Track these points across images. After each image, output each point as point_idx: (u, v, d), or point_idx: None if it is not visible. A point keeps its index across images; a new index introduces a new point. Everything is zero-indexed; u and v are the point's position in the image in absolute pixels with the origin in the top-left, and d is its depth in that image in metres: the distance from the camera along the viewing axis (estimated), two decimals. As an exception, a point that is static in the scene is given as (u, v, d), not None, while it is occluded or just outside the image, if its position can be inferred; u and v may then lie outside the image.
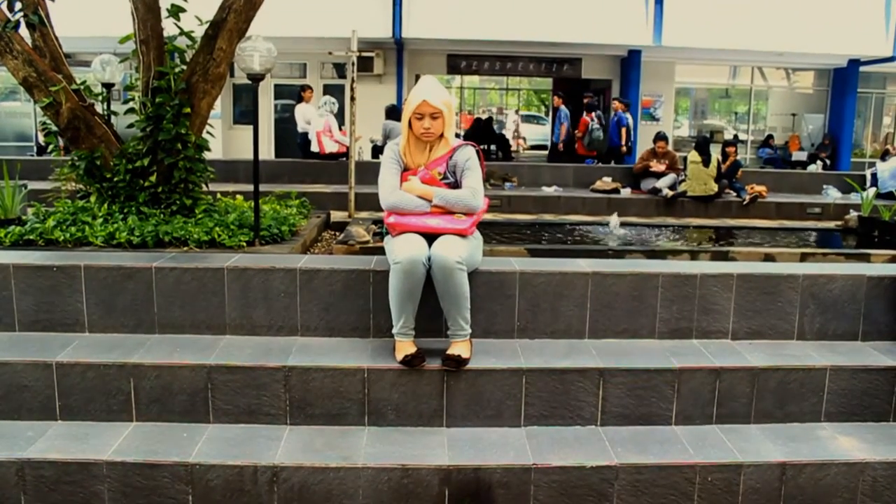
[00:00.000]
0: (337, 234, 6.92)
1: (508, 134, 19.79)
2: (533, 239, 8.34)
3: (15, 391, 3.15)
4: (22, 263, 3.46)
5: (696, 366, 3.29)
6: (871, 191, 10.13)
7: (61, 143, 5.29)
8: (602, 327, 3.54)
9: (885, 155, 12.88)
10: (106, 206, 4.89)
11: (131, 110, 5.02)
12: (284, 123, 16.04)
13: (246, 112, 15.80)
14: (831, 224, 9.70)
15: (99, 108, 5.20)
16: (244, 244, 4.65)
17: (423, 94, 3.22)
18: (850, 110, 16.11)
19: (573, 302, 3.51)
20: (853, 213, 9.33)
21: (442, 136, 3.32)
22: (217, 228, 4.66)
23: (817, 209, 10.86)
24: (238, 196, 5.72)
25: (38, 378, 3.15)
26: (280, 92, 16.06)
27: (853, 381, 3.34)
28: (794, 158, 15.84)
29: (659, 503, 2.98)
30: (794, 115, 17.61)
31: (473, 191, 3.29)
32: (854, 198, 10.68)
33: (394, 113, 11.08)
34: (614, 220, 8.58)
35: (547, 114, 14.60)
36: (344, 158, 10.41)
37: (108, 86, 5.87)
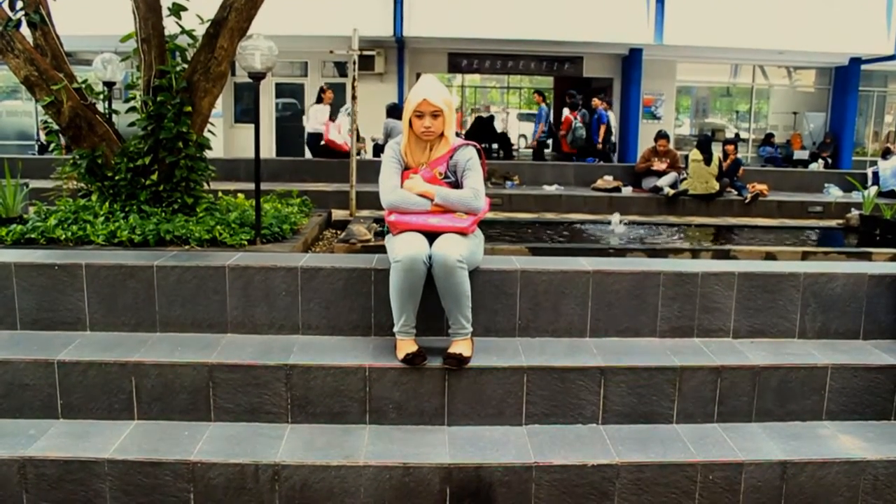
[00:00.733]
0: (338, 232, 6.92)
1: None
2: (534, 237, 8.33)
3: (17, 390, 3.16)
4: (23, 262, 3.47)
5: (698, 364, 3.29)
6: (873, 189, 10.13)
7: (63, 141, 5.28)
8: (603, 326, 3.54)
9: (886, 153, 12.87)
10: (107, 204, 4.89)
11: (132, 109, 5.02)
12: (286, 122, 16.06)
13: (247, 111, 15.81)
14: (833, 222, 9.69)
15: (100, 106, 5.20)
16: (245, 243, 4.64)
17: (423, 92, 3.22)
18: (851, 109, 16.10)
19: (574, 300, 3.51)
20: (854, 212, 9.33)
21: (442, 134, 3.32)
22: (218, 227, 4.66)
23: (819, 208, 10.85)
24: (239, 195, 5.72)
25: (40, 376, 3.16)
26: (281, 90, 16.07)
27: (854, 379, 3.34)
28: (795, 157, 15.82)
29: (660, 501, 2.98)
30: (795, 113, 17.59)
31: (475, 192, 3.29)
32: (855, 196, 10.67)
33: (395, 111, 11.09)
34: (615, 218, 8.58)
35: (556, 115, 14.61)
36: (358, 155, 10.48)
37: (109, 84, 5.87)
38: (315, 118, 12.00)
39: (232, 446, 2.99)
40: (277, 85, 15.84)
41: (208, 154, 5.21)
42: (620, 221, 8.55)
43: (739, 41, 13.99)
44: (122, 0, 4.95)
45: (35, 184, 6.55)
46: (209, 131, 5.17)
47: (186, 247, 4.44)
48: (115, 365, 3.17)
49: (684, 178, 10.95)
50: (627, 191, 11.21)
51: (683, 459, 2.99)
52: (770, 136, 16.62)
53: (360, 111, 8.78)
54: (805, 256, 7.00)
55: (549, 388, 3.22)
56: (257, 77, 4.73)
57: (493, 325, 3.51)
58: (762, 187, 10.85)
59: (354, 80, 8.64)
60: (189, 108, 4.81)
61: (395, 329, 3.22)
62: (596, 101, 13.36)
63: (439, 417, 3.21)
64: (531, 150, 14.60)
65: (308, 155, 12.61)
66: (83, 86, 4.95)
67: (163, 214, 4.79)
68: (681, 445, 3.09)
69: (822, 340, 3.60)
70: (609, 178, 11.44)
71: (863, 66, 15.79)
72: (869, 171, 12.13)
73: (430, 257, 3.10)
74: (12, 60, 4.68)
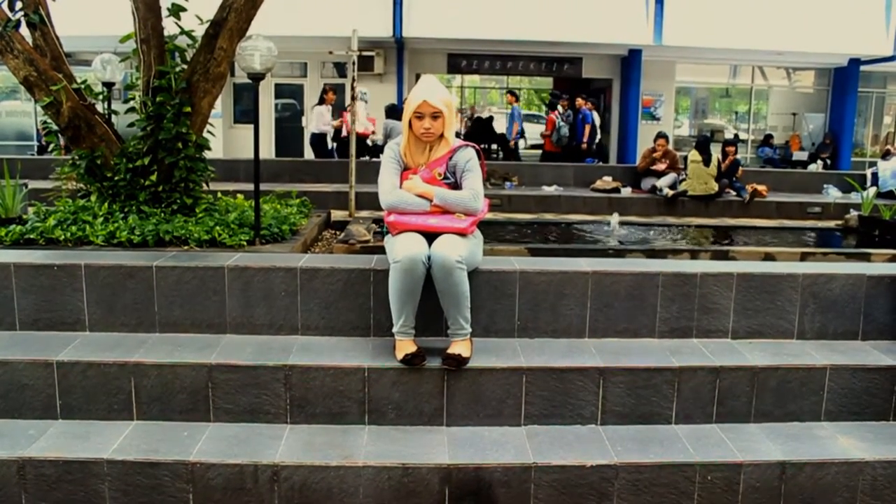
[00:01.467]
0: (337, 233, 6.92)
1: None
2: (533, 238, 8.34)
3: (16, 390, 3.16)
4: (23, 262, 3.47)
5: (696, 365, 3.29)
6: (872, 190, 10.14)
7: (62, 142, 5.29)
8: (602, 326, 3.54)
9: (886, 154, 12.88)
10: (106, 205, 4.89)
11: (132, 109, 5.03)
12: (285, 122, 16.06)
13: (246, 111, 15.80)
14: (831, 223, 9.69)
15: (99, 107, 5.20)
16: (245, 243, 4.65)
17: (423, 94, 3.22)
18: (850, 110, 16.10)
19: (573, 301, 3.51)
20: (853, 213, 9.34)
21: (442, 135, 3.32)
22: (217, 227, 4.66)
23: (817, 208, 10.86)
24: (238, 195, 5.72)
25: (39, 377, 3.16)
26: (281, 91, 16.06)
27: (853, 380, 3.35)
28: (794, 158, 15.83)
29: (659, 502, 2.98)
30: (794, 114, 17.60)
31: (474, 193, 3.29)
32: (854, 197, 10.68)
33: (394, 112, 11.09)
34: (615, 219, 8.59)
35: (547, 113, 14.59)
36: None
37: (108, 85, 5.88)
38: (319, 119, 12.03)
39: (231, 447, 2.99)
40: (277, 85, 15.83)
41: (207, 155, 5.22)
42: (619, 223, 8.56)
43: (738, 42, 13.99)
44: (122, 1, 4.95)
45: (34, 184, 6.56)
46: (208, 132, 5.17)
47: (186, 247, 4.44)
48: (115, 365, 3.17)
49: (683, 179, 10.95)
50: (627, 191, 11.22)
51: (682, 460, 3.00)
52: (769, 136, 16.63)
53: (359, 111, 8.77)
54: (804, 257, 7.00)
55: (548, 389, 3.22)
56: (256, 78, 4.73)
57: (493, 325, 3.51)
58: (761, 188, 10.86)
59: (354, 80, 8.65)
60: (188, 109, 4.81)
61: (395, 329, 3.22)
62: (580, 102, 13.55)
63: (438, 418, 3.21)
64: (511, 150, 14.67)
65: (310, 156, 12.63)
66: (82, 86, 4.95)
67: (162, 215, 4.79)
68: (680, 446, 3.09)
69: (821, 341, 3.60)
70: (608, 178, 11.44)
71: (862, 67, 15.79)
72: (868, 172, 12.14)
73: (429, 258, 3.10)
74: (11, 61, 4.68)
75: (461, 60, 16.06)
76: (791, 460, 3.01)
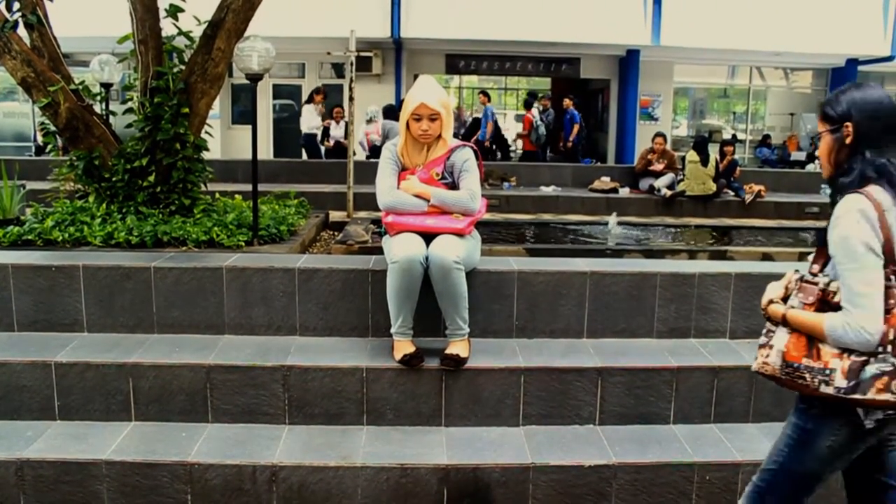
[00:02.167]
0: (336, 233, 6.93)
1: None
2: (531, 238, 8.35)
3: (14, 391, 3.16)
4: (21, 263, 3.46)
5: (695, 365, 3.29)
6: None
7: (60, 143, 5.28)
8: (600, 327, 3.54)
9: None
10: (104, 206, 4.89)
11: (130, 110, 5.02)
12: (283, 123, 16.05)
13: (244, 112, 15.80)
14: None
15: (97, 108, 5.20)
16: (243, 244, 4.64)
17: (421, 96, 3.21)
18: (848, 110, 16.09)
19: (571, 301, 3.51)
20: (851, 213, 9.31)
21: (440, 136, 3.32)
22: (216, 228, 4.66)
23: (815, 208, 10.87)
24: (237, 196, 5.72)
25: (37, 378, 3.15)
26: (279, 92, 16.06)
27: (851, 379, 3.35)
28: (792, 158, 15.84)
29: (657, 502, 2.98)
30: (792, 114, 17.61)
31: (471, 193, 3.29)
32: (852, 197, 10.67)
33: (392, 113, 11.09)
34: (613, 219, 8.59)
35: (544, 112, 14.60)
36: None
37: (106, 86, 5.88)
38: (308, 120, 12.05)
39: (229, 447, 2.99)
40: (275, 86, 15.82)
41: (206, 155, 5.22)
42: (618, 223, 8.56)
43: (736, 42, 14.01)
44: (120, 1, 4.95)
45: (32, 185, 6.55)
46: (206, 133, 5.17)
47: (184, 248, 4.44)
48: (113, 366, 3.17)
49: (681, 179, 10.96)
50: (625, 192, 11.22)
51: (680, 460, 3.00)
52: (767, 137, 16.65)
53: (357, 112, 8.78)
54: (802, 257, 7.01)
55: (546, 389, 3.23)
56: (255, 78, 4.74)
57: (491, 325, 3.51)
58: (760, 188, 10.87)
59: (352, 81, 8.65)
60: (186, 110, 4.80)
61: (393, 330, 3.22)
62: (567, 102, 13.72)
63: (437, 418, 3.21)
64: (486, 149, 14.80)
65: (305, 156, 12.65)
66: (80, 87, 4.95)
67: (160, 216, 4.79)
68: (678, 446, 3.09)
69: (819, 341, 3.60)
70: (606, 179, 11.44)
71: (859, 68, 15.80)
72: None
73: (427, 258, 3.11)
74: (9, 62, 4.67)
75: (459, 61, 16.07)
76: (789, 460, 3.01)
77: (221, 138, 14.78)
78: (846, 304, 1.91)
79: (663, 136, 11.64)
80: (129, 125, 4.95)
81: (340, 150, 11.57)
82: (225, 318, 3.49)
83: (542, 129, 13.37)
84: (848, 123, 2.00)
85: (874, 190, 1.94)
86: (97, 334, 3.47)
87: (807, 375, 1.99)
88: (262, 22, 5.42)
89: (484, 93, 14.70)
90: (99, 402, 3.17)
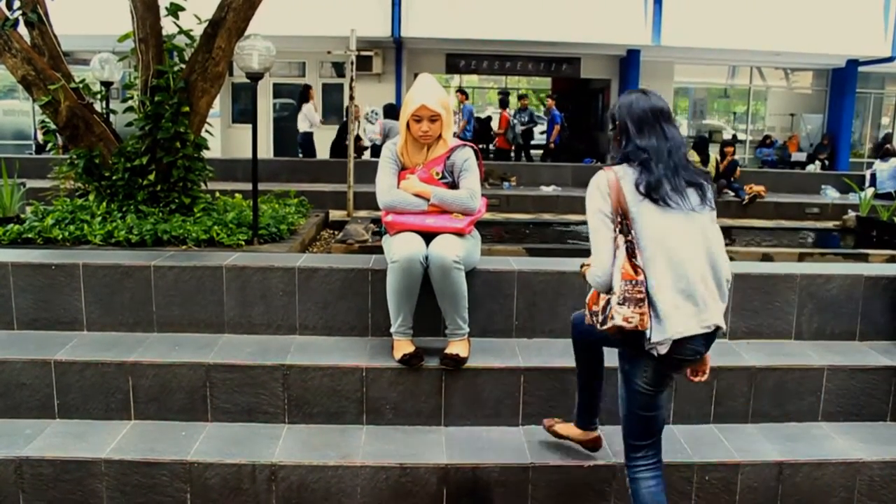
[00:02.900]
0: (335, 233, 6.93)
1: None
2: (531, 238, 8.34)
3: (13, 389, 3.16)
4: (20, 262, 3.46)
5: (694, 365, 3.29)
6: (870, 191, 10.16)
7: (60, 141, 5.28)
8: (600, 326, 3.54)
9: (885, 155, 12.89)
10: (104, 204, 4.89)
11: (130, 109, 5.02)
12: (283, 122, 16.05)
13: (245, 111, 15.80)
14: (829, 224, 9.71)
15: (98, 106, 5.20)
16: (243, 243, 4.65)
17: (421, 97, 3.20)
18: (848, 110, 16.12)
19: (571, 301, 3.50)
20: (851, 213, 9.36)
21: (440, 136, 3.31)
22: (216, 227, 4.66)
23: (816, 209, 10.88)
24: (237, 195, 5.72)
25: (37, 376, 3.15)
26: (279, 91, 16.05)
27: (850, 380, 3.35)
28: (792, 159, 15.84)
29: (656, 502, 2.98)
30: (792, 115, 17.62)
31: (471, 192, 3.29)
32: (852, 198, 10.70)
33: (392, 112, 11.09)
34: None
35: (546, 113, 14.64)
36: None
37: (106, 84, 5.87)
38: (310, 118, 12.05)
39: (229, 446, 2.98)
40: (275, 85, 15.82)
41: (206, 154, 5.22)
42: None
43: (737, 43, 14.00)
44: (120, 0, 4.95)
45: (32, 183, 6.55)
46: (207, 131, 5.17)
47: (184, 247, 4.44)
48: (112, 365, 3.16)
49: (681, 180, 10.95)
50: (625, 192, 11.21)
51: (680, 460, 3.00)
52: (767, 137, 16.65)
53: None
54: (802, 258, 7.01)
55: (545, 389, 3.22)
56: (255, 77, 4.73)
57: (490, 325, 3.51)
58: (759, 188, 10.87)
59: (352, 80, 8.65)
60: (187, 109, 4.81)
61: (392, 329, 3.22)
62: (550, 102, 14.11)
63: (436, 418, 3.21)
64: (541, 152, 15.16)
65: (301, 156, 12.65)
66: (81, 85, 4.95)
67: (160, 214, 4.79)
68: (677, 446, 3.09)
69: (819, 342, 3.61)
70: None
71: (860, 68, 15.81)
72: (867, 173, 12.15)
73: (426, 258, 3.10)
74: (10, 60, 4.67)
75: (459, 60, 16.06)
76: (788, 461, 3.02)
77: (222, 137, 14.78)
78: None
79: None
80: (130, 124, 4.95)
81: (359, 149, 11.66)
82: (225, 317, 3.49)
83: (518, 129, 13.78)
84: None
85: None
86: (97, 333, 3.47)
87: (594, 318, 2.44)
88: (263, 21, 5.42)
89: (461, 91, 14.82)
90: (98, 401, 3.17)
